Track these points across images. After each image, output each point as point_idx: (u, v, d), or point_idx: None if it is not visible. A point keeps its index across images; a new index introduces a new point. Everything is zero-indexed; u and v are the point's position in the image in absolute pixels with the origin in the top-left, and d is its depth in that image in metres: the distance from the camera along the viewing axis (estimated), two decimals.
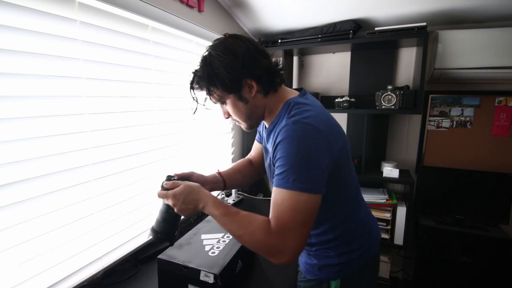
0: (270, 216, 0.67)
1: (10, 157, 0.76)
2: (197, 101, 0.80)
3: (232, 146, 2.04)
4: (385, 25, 1.72)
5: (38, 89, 0.82)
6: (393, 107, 1.68)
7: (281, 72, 0.78)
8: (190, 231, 1.13)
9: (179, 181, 0.78)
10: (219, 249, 0.99)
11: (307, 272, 0.87)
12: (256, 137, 1.08)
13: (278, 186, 0.66)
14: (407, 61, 1.89)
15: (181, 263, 0.91)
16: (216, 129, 1.80)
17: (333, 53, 2.08)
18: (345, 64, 2.05)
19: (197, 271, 0.88)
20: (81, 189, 0.97)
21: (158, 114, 1.30)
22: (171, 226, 0.81)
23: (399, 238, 1.74)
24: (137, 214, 1.22)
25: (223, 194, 1.77)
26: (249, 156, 1.13)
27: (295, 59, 2.18)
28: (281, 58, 1.98)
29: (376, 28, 1.67)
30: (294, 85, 2.18)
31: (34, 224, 0.84)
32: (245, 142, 2.17)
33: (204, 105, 0.81)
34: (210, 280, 0.86)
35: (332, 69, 2.11)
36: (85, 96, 0.96)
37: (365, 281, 0.86)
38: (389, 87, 1.70)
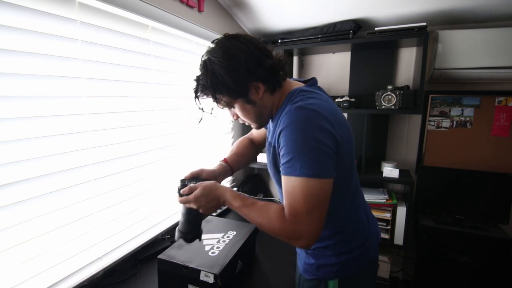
0: (283, 204, 0.68)
1: (10, 157, 0.76)
2: (202, 109, 0.79)
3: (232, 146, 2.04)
4: (385, 25, 1.72)
5: (38, 89, 0.82)
6: (393, 107, 1.68)
7: (284, 69, 0.77)
8: None
9: (194, 184, 0.79)
10: (219, 249, 0.99)
11: (306, 272, 0.87)
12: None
13: (286, 174, 0.67)
14: (407, 61, 1.89)
15: (181, 263, 0.91)
16: (216, 129, 1.80)
17: (333, 53, 2.08)
18: (345, 64, 2.05)
19: (197, 271, 0.88)
20: (81, 189, 0.97)
21: (158, 114, 1.30)
22: (196, 226, 0.85)
23: (399, 238, 1.74)
24: (137, 214, 1.22)
25: None
26: (249, 134, 1.12)
27: (295, 59, 2.18)
28: (282, 51, 1.97)
29: (376, 28, 1.67)
30: None
31: (34, 224, 0.84)
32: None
33: (211, 113, 0.81)
34: (210, 280, 0.86)
35: (332, 69, 2.11)
36: (85, 96, 0.96)
37: (363, 283, 0.85)
38: (389, 87, 1.70)
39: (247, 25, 2.03)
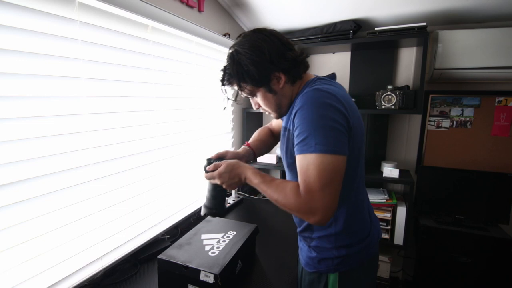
0: (299, 181, 0.71)
1: (10, 157, 0.76)
2: (228, 98, 0.87)
3: (232, 146, 2.04)
4: (385, 25, 1.72)
5: (38, 89, 0.82)
6: (393, 107, 1.68)
7: (305, 62, 0.81)
8: (190, 231, 1.13)
9: (219, 162, 0.86)
10: (219, 249, 0.99)
11: (307, 265, 0.89)
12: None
13: (301, 152, 0.69)
14: (407, 61, 1.89)
15: (181, 263, 0.91)
16: (216, 129, 1.80)
17: (333, 53, 2.09)
18: (345, 64, 2.05)
19: (197, 271, 0.88)
20: (81, 189, 0.97)
21: (158, 114, 1.29)
22: (221, 202, 0.94)
23: (399, 238, 1.74)
24: (137, 214, 1.22)
25: None
26: (269, 125, 1.17)
27: None
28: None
29: (376, 28, 1.67)
30: None
31: (34, 224, 0.84)
32: (245, 142, 2.17)
33: (235, 100, 0.87)
34: (210, 280, 0.86)
35: (332, 69, 2.11)
36: (85, 96, 0.96)
37: (363, 278, 0.86)
38: (389, 87, 1.70)
39: (247, 25, 2.03)
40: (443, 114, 1.86)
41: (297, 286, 1.00)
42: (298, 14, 1.79)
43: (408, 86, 1.78)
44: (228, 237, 1.09)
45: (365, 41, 1.69)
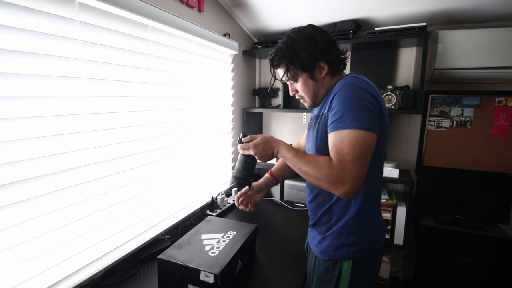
0: (331, 155, 0.77)
1: (10, 157, 0.76)
2: (275, 77, 0.92)
3: (232, 146, 2.04)
4: (385, 25, 1.72)
5: (38, 89, 0.82)
6: (393, 107, 1.68)
7: (346, 60, 0.90)
8: (190, 231, 1.13)
9: (255, 135, 0.93)
10: (219, 249, 0.99)
11: (322, 254, 0.93)
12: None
13: (336, 129, 0.76)
14: (407, 61, 1.89)
15: (181, 263, 0.91)
16: (216, 129, 1.80)
17: None
18: None
19: (197, 271, 0.88)
20: (81, 189, 0.97)
21: (158, 114, 1.30)
22: (249, 173, 0.99)
23: (399, 238, 1.74)
24: (137, 214, 1.22)
25: (223, 194, 1.77)
26: (296, 144, 1.22)
27: None
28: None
29: (376, 28, 1.67)
30: None
31: (34, 224, 0.84)
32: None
33: (281, 80, 0.91)
34: (210, 280, 0.86)
35: None
36: (85, 96, 0.96)
37: (372, 267, 0.92)
38: (389, 87, 1.70)
39: (247, 25, 2.03)
40: (443, 114, 1.85)
41: (308, 276, 1.03)
42: (298, 14, 1.79)
43: (408, 86, 1.78)
44: (228, 237, 1.09)
45: (365, 41, 1.69)
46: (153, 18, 1.14)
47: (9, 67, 0.75)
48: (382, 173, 0.93)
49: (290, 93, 0.94)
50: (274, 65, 0.89)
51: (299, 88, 0.90)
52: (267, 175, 1.17)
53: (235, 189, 1.92)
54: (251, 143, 0.91)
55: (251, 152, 0.90)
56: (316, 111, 0.95)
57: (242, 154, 0.97)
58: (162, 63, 1.30)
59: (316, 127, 0.89)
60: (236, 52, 1.85)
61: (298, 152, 0.85)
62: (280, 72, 0.89)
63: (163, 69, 1.31)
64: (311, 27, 0.87)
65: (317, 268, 0.95)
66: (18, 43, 0.76)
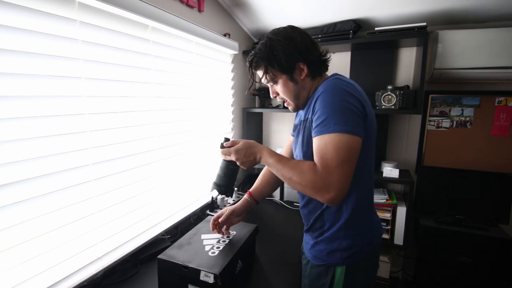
0: (315, 160, 0.75)
1: (10, 157, 0.76)
2: (254, 78, 0.92)
3: None
4: (385, 25, 1.72)
5: (38, 89, 0.82)
6: (393, 107, 1.68)
7: (327, 62, 0.89)
8: (190, 231, 1.13)
9: (237, 140, 0.90)
10: (219, 249, 0.99)
11: (315, 259, 0.91)
12: (291, 132, 1.11)
13: (320, 133, 0.74)
14: (407, 61, 1.89)
15: (181, 263, 0.91)
16: (216, 129, 1.80)
17: (333, 53, 2.08)
18: (345, 64, 2.04)
19: (197, 271, 0.88)
20: (81, 189, 0.97)
21: (158, 114, 1.30)
22: (231, 180, 0.96)
23: (399, 238, 1.74)
24: (137, 214, 1.22)
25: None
26: (282, 150, 1.18)
27: None
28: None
29: (376, 28, 1.67)
30: None
31: (34, 224, 0.84)
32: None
33: (259, 82, 0.91)
34: (210, 280, 0.86)
35: (332, 69, 2.07)
36: (85, 96, 0.96)
37: (367, 272, 0.90)
38: (389, 87, 1.70)
39: (247, 25, 2.03)
40: (443, 114, 1.85)
41: (301, 282, 1.01)
42: (298, 14, 1.79)
43: (408, 86, 1.78)
44: (228, 237, 1.09)
45: (365, 41, 1.69)
46: (153, 18, 1.14)
47: (9, 67, 0.75)
48: (372, 176, 0.91)
49: (271, 96, 0.92)
50: (253, 66, 0.87)
51: (279, 90, 0.88)
52: (246, 196, 1.10)
53: (235, 189, 1.92)
54: (232, 148, 0.87)
55: (232, 158, 0.87)
56: (301, 115, 0.93)
57: (224, 160, 0.94)
58: (162, 63, 1.30)
59: (301, 132, 0.87)
60: (236, 52, 1.85)
61: (281, 157, 0.82)
62: (259, 74, 0.88)
63: (163, 69, 1.30)
64: (290, 27, 0.85)
65: (310, 274, 0.94)
66: (18, 43, 0.76)
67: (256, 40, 2.19)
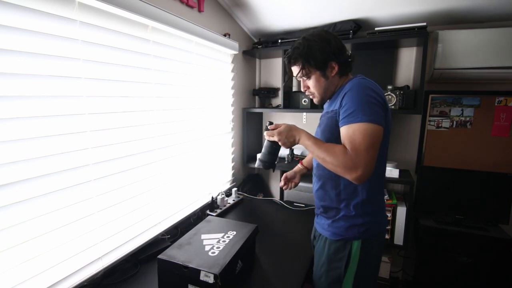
0: (345, 144, 0.86)
1: (10, 157, 0.76)
2: (291, 74, 1.03)
3: (232, 146, 2.04)
4: (385, 25, 1.72)
5: (38, 89, 0.82)
6: (393, 107, 1.68)
7: (352, 64, 1.02)
8: (190, 231, 1.13)
9: (280, 123, 1.02)
10: (219, 249, 0.99)
11: (333, 235, 1.00)
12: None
13: (348, 123, 0.86)
14: (407, 61, 1.89)
15: (181, 263, 0.91)
16: (216, 129, 1.80)
17: None
18: None
19: (197, 271, 0.88)
20: (82, 189, 0.97)
21: (158, 114, 1.30)
22: (273, 157, 1.09)
23: (399, 238, 1.74)
24: (137, 214, 1.22)
25: (223, 194, 1.77)
26: None
27: None
28: (282, 51, 1.96)
29: (376, 28, 1.67)
30: (294, 86, 2.18)
31: (34, 224, 0.84)
32: (245, 142, 2.17)
33: (296, 76, 1.01)
34: (210, 280, 0.86)
35: None
36: (85, 96, 0.96)
37: (378, 248, 1.01)
38: (389, 87, 1.70)
39: (247, 25, 2.03)
40: (443, 114, 1.85)
41: (316, 262, 1.06)
42: (298, 14, 1.79)
43: (408, 86, 1.77)
44: (228, 237, 1.09)
45: (365, 41, 1.69)
46: (153, 18, 1.14)
47: (9, 67, 0.75)
48: (385, 162, 1.02)
49: (302, 89, 1.04)
50: (291, 62, 0.98)
51: (311, 85, 1.00)
52: (298, 165, 1.32)
53: (235, 189, 1.93)
54: (275, 130, 0.99)
55: (275, 139, 0.99)
56: (326, 108, 1.06)
57: (268, 140, 1.06)
58: (162, 63, 1.30)
59: (325, 121, 1.00)
60: (236, 52, 1.85)
61: (317, 140, 0.93)
62: (295, 69, 0.99)
63: (163, 69, 1.31)
64: (325, 31, 0.98)
65: (328, 250, 1.01)
66: (18, 43, 0.76)
67: (256, 40, 2.19)
